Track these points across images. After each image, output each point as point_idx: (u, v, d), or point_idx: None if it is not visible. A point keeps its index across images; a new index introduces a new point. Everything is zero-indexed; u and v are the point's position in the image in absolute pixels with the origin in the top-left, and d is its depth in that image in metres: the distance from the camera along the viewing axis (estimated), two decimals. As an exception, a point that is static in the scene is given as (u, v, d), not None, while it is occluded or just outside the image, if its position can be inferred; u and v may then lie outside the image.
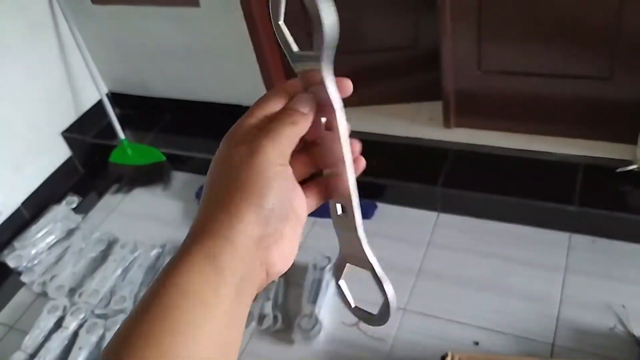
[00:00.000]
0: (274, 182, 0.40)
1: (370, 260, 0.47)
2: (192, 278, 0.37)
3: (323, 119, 0.45)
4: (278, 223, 0.41)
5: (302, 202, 0.44)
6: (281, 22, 0.47)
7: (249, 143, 0.41)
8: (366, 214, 2.11)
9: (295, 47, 0.48)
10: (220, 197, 0.40)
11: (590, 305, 1.72)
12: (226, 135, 0.44)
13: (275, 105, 0.44)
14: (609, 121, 1.99)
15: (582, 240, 1.90)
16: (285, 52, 0.47)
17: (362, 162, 0.48)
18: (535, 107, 2.07)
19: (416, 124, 2.27)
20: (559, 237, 1.93)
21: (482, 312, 1.77)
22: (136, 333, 0.34)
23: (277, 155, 0.41)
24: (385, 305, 0.47)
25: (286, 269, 0.43)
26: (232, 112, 2.78)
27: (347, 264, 0.49)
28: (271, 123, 0.42)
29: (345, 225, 0.47)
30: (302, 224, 0.44)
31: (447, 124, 2.20)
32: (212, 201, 0.41)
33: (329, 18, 0.45)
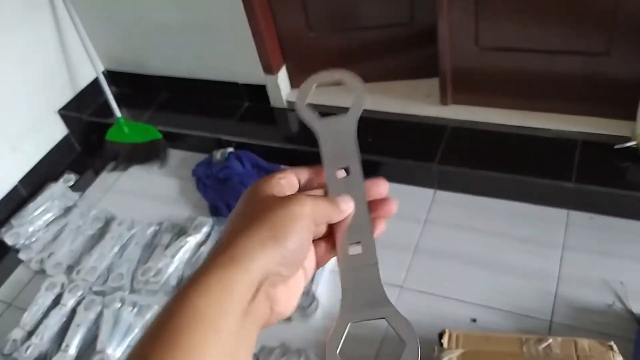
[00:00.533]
0: (301, 231, 0.42)
1: (388, 300, 0.46)
2: (208, 304, 0.38)
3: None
4: (291, 266, 0.42)
5: (312, 261, 0.46)
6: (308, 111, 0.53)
7: (293, 196, 0.44)
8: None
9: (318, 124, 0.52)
10: (250, 225, 0.42)
11: (589, 282, 1.73)
12: (257, 182, 0.46)
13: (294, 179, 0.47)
14: (607, 97, 1.98)
15: (580, 217, 1.90)
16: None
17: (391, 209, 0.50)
18: (533, 84, 2.06)
19: (413, 101, 2.25)
20: (557, 214, 1.92)
21: (479, 289, 1.77)
22: (151, 351, 0.36)
23: (311, 214, 0.43)
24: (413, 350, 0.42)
25: (288, 314, 0.44)
26: (228, 90, 2.78)
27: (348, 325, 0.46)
28: (316, 195, 0.46)
29: (359, 262, 0.46)
30: (308, 280, 0.47)
31: (443, 100, 2.19)
32: (241, 227, 0.42)
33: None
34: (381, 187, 0.49)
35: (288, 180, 0.46)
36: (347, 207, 0.46)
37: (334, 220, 0.46)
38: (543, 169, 1.94)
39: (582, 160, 1.93)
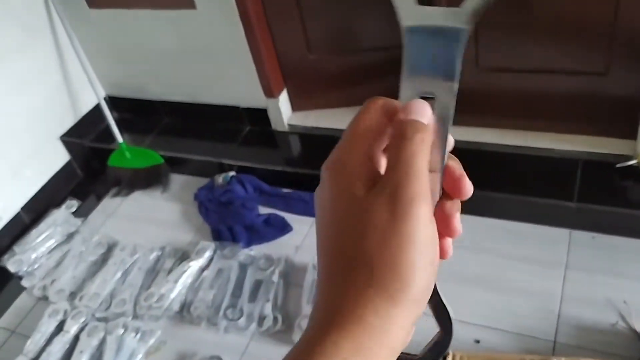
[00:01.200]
0: (429, 253, 0.34)
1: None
2: None
3: None
4: (426, 295, 0.35)
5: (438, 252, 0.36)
6: None
7: (387, 190, 0.33)
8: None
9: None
10: (360, 268, 0.32)
11: (592, 301, 1.72)
12: (330, 166, 0.36)
13: (378, 123, 0.37)
14: (607, 116, 1.99)
15: (582, 237, 1.90)
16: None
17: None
18: (533, 104, 2.06)
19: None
20: (559, 234, 1.92)
21: (482, 310, 1.76)
22: None
23: (427, 206, 0.33)
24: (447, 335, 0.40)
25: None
26: (230, 114, 2.80)
27: None
28: (398, 150, 0.34)
29: None
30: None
31: (445, 122, 2.19)
32: (347, 270, 0.33)
33: None
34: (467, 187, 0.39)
35: (376, 142, 0.36)
36: (426, 118, 0.36)
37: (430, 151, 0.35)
38: (544, 189, 1.94)
39: (584, 180, 1.93)
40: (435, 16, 0.36)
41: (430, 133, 0.36)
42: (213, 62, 2.38)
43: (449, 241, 0.38)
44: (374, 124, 0.36)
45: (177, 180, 2.51)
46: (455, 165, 0.39)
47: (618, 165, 1.91)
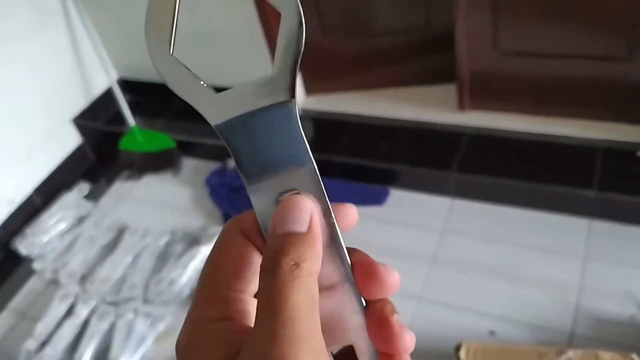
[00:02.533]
0: None
1: None
2: None
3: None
4: None
5: None
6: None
7: None
8: (378, 200, 2.07)
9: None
10: None
11: (610, 292, 1.68)
12: (178, 351, 0.29)
13: (239, 260, 0.30)
14: (628, 103, 1.94)
15: (601, 226, 1.86)
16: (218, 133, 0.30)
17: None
18: (553, 89, 2.02)
19: (429, 107, 2.22)
20: (578, 223, 1.88)
21: (498, 301, 1.73)
22: None
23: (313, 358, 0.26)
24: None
25: None
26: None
27: None
28: (259, 296, 0.27)
29: None
30: None
31: (461, 106, 2.16)
32: None
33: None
34: (350, 216, 0.32)
35: (241, 289, 0.29)
36: (302, 224, 0.28)
37: (318, 270, 0.28)
38: (563, 177, 1.90)
39: (604, 168, 1.88)
40: (246, 98, 0.29)
41: (313, 240, 0.28)
42: (226, 45, 2.35)
43: None
44: (231, 263, 0.30)
45: (189, 164, 2.49)
46: (361, 255, 0.31)
47: (639, 153, 1.87)
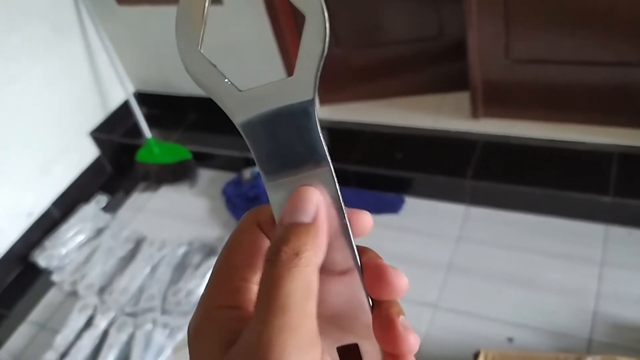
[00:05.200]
0: None
1: None
2: None
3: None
4: None
5: None
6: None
7: (239, 349, 0.27)
8: (394, 208, 2.07)
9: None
10: None
11: (628, 298, 1.67)
12: (190, 329, 0.30)
13: (251, 248, 0.31)
14: (643, 108, 1.93)
15: (618, 232, 1.85)
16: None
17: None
18: (566, 96, 2.02)
19: (443, 115, 2.23)
20: (594, 229, 1.87)
21: (515, 308, 1.73)
22: None
23: (304, 353, 0.26)
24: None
25: None
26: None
27: None
28: (261, 283, 0.28)
29: None
30: None
31: (475, 114, 2.16)
32: None
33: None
34: (365, 222, 0.32)
35: (252, 276, 0.30)
36: (308, 215, 0.29)
37: (320, 260, 0.29)
38: (579, 183, 1.89)
39: (619, 173, 1.88)
40: (268, 97, 0.30)
41: (316, 231, 0.28)
42: (240, 57, 2.37)
43: None
44: (244, 253, 0.30)
45: (205, 175, 2.51)
46: (371, 255, 0.31)
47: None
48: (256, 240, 0.31)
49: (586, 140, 1.99)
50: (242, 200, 2.26)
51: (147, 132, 2.50)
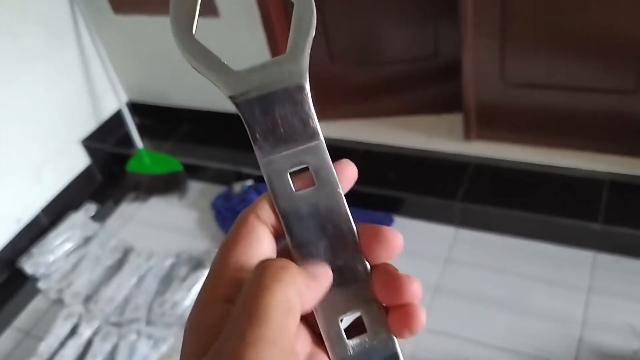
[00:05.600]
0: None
1: None
2: None
3: None
4: None
5: None
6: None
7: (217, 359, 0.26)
8: (384, 227, 2.07)
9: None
10: None
11: (614, 326, 1.67)
12: (185, 329, 0.30)
13: (252, 235, 0.31)
14: (635, 135, 1.94)
15: (606, 260, 1.85)
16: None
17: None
18: (560, 121, 2.03)
19: (435, 136, 2.23)
20: (583, 256, 1.88)
21: (501, 332, 1.72)
22: None
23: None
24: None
25: None
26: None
27: None
28: (247, 292, 0.28)
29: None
30: None
31: (467, 136, 2.17)
32: None
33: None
34: (350, 171, 0.34)
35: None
36: (324, 278, 0.30)
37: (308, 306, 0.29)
38: (569, 209, 1.90)
39: (610, 201, 1.88)
40: (264, 79, 0.32)
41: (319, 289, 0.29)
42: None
43: (412, 306, 0.31)
44: (242, 242, 0.31)
45: (195, 187, 2.50)
46: (365, 224, 0.32)
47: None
48: (254, 232, 0.31)
49: (578, 167, 2.00)
50: (231, 214, 2.25)
51: (138, 142, 2.50)
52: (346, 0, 2.15)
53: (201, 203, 2.41)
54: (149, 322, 1.96)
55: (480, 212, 2.00)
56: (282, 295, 0.27)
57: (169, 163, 2.49)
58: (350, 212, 0.32)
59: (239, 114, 0.32)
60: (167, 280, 2.09)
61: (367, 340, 0.31)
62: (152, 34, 2.44)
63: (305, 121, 0.32)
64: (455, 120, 2.22)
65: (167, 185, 2.49)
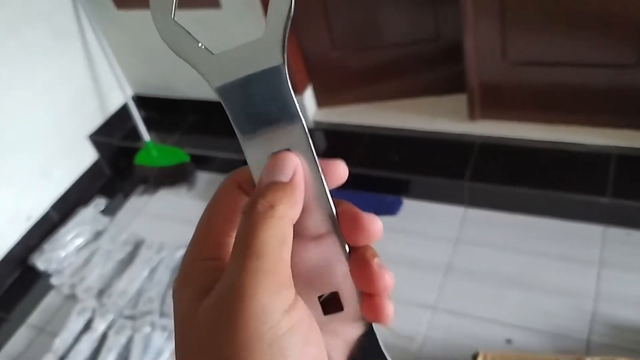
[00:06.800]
0: (288, 350, 0.27)
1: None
2: None
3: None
4: None
5: (322, 349, 0.30)
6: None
7: (220, 293, 0.27)
8: (392, 210, 2.08)
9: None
10: None
11: (626, 299, 1.67)
12: (174, 283, 0.31)
13: (231, 207, 0.32)
14: (639, 109, 1.94)
15: (616, 233, 1.85)
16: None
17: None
18: (563, 97, 2.02)
19: (440, 117, 2.23)
20: (593, 230, 1.88)
21: (513, 309, 1.73)
22: None
23: (276, 295, 0.27)
24: None
25: None
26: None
27: None
28: (241, 233, 0.28)
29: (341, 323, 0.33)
30: None
31: (472, 116, 2.16)
32: None
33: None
34: (339, 171, 0.33)
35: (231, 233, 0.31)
36: (286, 174, 0.31)
37: (296, 217, 0.30)
38: (577, 184, 1.90)
39: (617, 174, 1.88)
40: (242, 62, 0.31)
41: (293, 189, 0.30)
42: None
43: (380, 299, 0.31)
44: (224, 210, 0.32)
45: (203, 178, 2.51)
46: (346, 205, 0.32)
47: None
48: (235, 198, 0.32)
49: (584, 142, 2.00)
50: (240, 203, 2.26)
51: (145, 135, 2.50)
52: (346, -15, 2.14)
53: (209, 193, 2.37)
54: (162, 314, 1.98)
55: (488, 191, 2.00)
56: (275, 229, 0.28)
57: (176, 155, 2.50)
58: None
59: (218, 97, 0.32)
60: (179, 272, 2.10)
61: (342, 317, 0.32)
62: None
63: (284, 103, 0.31)
64: (459, 100, 2.21)
65: (175, 176, 2.50)
